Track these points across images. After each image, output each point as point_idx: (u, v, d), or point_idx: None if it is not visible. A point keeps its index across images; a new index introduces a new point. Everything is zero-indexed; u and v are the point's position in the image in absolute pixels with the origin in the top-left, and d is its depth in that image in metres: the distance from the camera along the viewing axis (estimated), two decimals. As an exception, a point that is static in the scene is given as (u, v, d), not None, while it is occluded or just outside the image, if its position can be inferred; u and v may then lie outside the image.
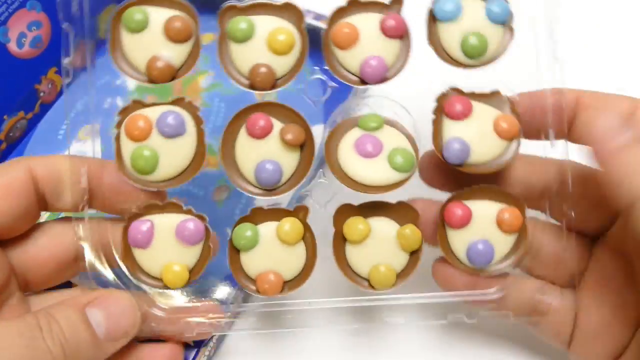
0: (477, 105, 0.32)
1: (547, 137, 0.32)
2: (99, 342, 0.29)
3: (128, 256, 0.31)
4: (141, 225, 0.31)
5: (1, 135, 0.41)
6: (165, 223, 0.32)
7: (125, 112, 0.32)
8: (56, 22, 0.39)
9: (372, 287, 0.32)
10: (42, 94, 0.43)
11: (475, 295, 0.32)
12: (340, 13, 0.32)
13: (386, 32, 0.32)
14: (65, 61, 0.32)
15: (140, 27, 0.32)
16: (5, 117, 0.41)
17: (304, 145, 0.32)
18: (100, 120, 0.39)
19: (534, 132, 0.32)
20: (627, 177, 0.26)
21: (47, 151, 0.43)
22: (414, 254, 0.32)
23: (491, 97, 0.33)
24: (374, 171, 0.31)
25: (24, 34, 0.40)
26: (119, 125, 0.32)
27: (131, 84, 0.43)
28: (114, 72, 0.33)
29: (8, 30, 0.39)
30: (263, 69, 0.32)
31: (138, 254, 0.31)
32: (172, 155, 0.31)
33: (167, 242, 0.31)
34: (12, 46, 0.39)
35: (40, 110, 0.43)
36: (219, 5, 0.32)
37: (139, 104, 0.32)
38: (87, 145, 0.33)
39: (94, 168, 0.31)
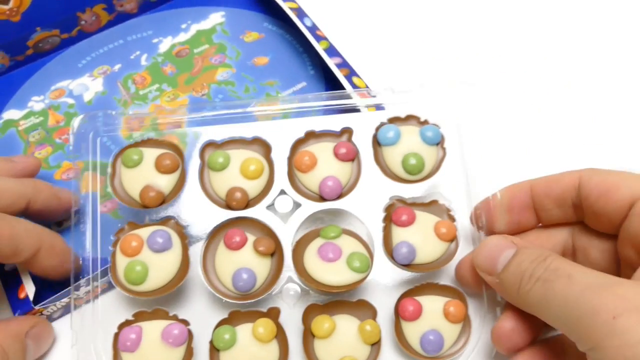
0: (419, 213, 0.38)
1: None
2: None
3: (118, 360, 0.35)
4: (130, 332, 0.35)
5: (30, 42, 0.46)
6: (152, 328, 0.36)
7: (120, 232, 0.37)
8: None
9: (339, 379, 0.35)
10: (83, 22, 0.47)
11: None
12: (299, 143, 0.39)
13: (339, 157, 0.39)
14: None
15: (136, 164, 0.38)
16: (38, 28, 0.45)
17: (274, 254, 0.37)
18: (118, 66, 0.46)
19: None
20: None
21: (64, 74, 0.48)
22: (375, 346, 0.36)
23: (430, 205, 0.39)
24: (335, 274, 0.36)
25: None
26: (114, 244, 0.37)
27: (164, 47, 0.49)
28: (151, 30, 0.43)
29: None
30: (238, 194, 0.38)
31: (126, 357, 0.35)
32: (160, 268, 0.36)
33: (154, 345, 0.35)
34: None
35: (77, 35, 0.48)
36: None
37: (133, 225, 0.38)
38: (94, 83, 0.42)
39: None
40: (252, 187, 0.38)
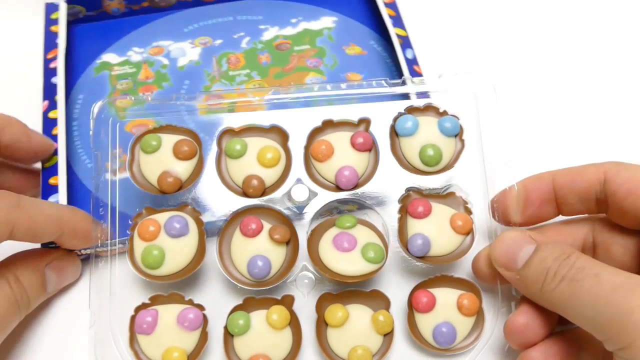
0: (435, 205, 0.38)
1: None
2: (45, 294, 0.37)
3: (134, 343, 0.36)
4: (147, 315, 0.36)
5: None
6: (168, 312, 0.36)
7: (138, 217, 0.38)
8: None
9: (350, 367, 0.36)
10: None
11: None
12: (316, 132, 0.39)
13: (356, 147, 0.39)
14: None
15: (154, 150, 0.38)
16: None
17: (289, 242, 0.38)
18: (219, 41, 0.48)
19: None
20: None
21: (168, 34, 0.49)
22: (387, 336, 0.36)
23: (447, 198, 0.38)
24: (349, 263, 0.36)
25: None
26: (132, 229, 0.37)
27: (268, 35, 0.49)
28: (262, 15, 0.47)
29: None
30: (255, 182, 0.38)
31: (142, 339, 0.36)
32: (177, 253, 0.37)
33: (169, 329, 0.36)
34: None
35: (193, 2, 0.50)
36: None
37: (150, 210, 0.38)
38: (192, 51, 0.46)
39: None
40: (269, 175, 0.38)
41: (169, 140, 0.39)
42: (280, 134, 0.39)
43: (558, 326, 0.35)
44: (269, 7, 0.51)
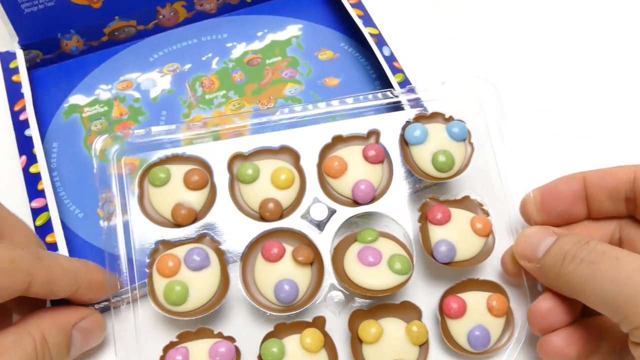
0: (453, 211, 0.38)
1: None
2: (67, 357, 0.34)
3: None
4: (176, 354, 0.35)
5: (107, 30, 0.47)
6: (198, 348, 0.35)
7: (155, 253, 0.36)
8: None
9: (390, 382, 0.35)
10: (161, 17, 0.47)
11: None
12: (327, 148, 0.39)
13: (369, 159, 0.38)
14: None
15: (164, 183, 0.37)
16: (116, 17, 0.46)
17: (313, 262, 0.37)
18: (188, 66, 0.47)
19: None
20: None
21: (135, 65, 0.47)
22: (423, 346, 0.36)
23: (463, 202, 0.39)
24: (377, 277, 0.36)
25: None
26: (150, 266, 0.36)
27: (236, 52, 0.48)
28: (226, 33, 0.46)
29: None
30: (271, 205, 0.37)
31: (177, 380, 0.34)
32: (200, 286, 0.36)
33: (203, 366, 0.35)
34: None
35: (153, 28, 0.48)
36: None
37: (167, 245, 0.37)
38: (163, 80, 0.45)
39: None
40: (285, 197, 0.38)
41: (178, 170, 0.38)
42: (291, 154, 0.39)
43: (584, 317, 0.35)
44: (232, 23, 0.50)
